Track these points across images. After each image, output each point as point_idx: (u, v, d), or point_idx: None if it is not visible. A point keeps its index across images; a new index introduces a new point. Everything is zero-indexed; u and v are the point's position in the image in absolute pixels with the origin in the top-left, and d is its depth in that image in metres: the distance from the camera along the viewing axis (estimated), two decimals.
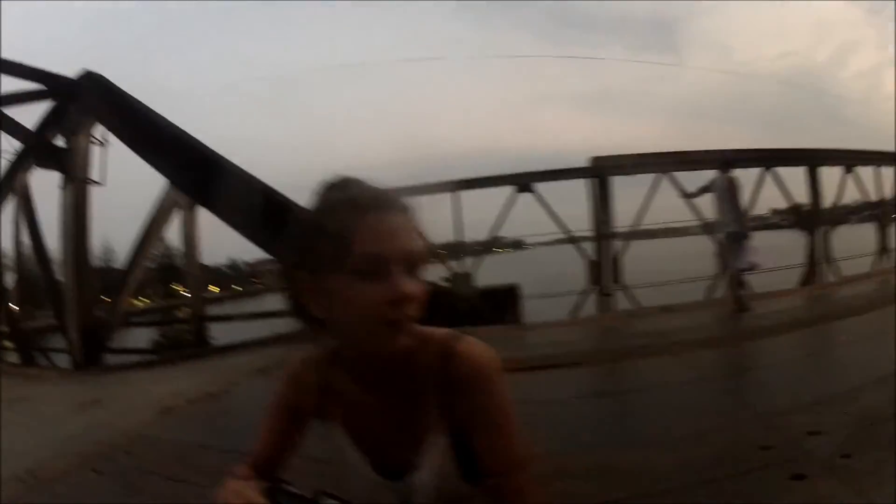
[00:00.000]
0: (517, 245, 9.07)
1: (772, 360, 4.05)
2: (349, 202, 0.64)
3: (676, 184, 6.46)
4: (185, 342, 7.53)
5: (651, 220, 6.59)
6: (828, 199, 7.41)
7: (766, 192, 7.05)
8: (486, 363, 0.69)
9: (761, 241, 7.08)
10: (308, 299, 0.67)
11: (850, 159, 7.54)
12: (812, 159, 7.15)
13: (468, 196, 6.31)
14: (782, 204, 7.30)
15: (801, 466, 1.91)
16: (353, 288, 0.62)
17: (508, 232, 6.81)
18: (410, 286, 0.63)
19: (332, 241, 0.63)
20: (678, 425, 2.60)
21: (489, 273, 6.74)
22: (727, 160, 6.23)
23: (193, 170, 6.09)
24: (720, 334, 5.23)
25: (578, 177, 6.29)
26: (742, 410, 2.87)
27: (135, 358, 6.76)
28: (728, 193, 5.65)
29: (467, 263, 6.53)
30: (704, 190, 5.92)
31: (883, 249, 7.82)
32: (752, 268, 5.67)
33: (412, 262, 0.64)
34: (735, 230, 5.64)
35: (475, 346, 0.70)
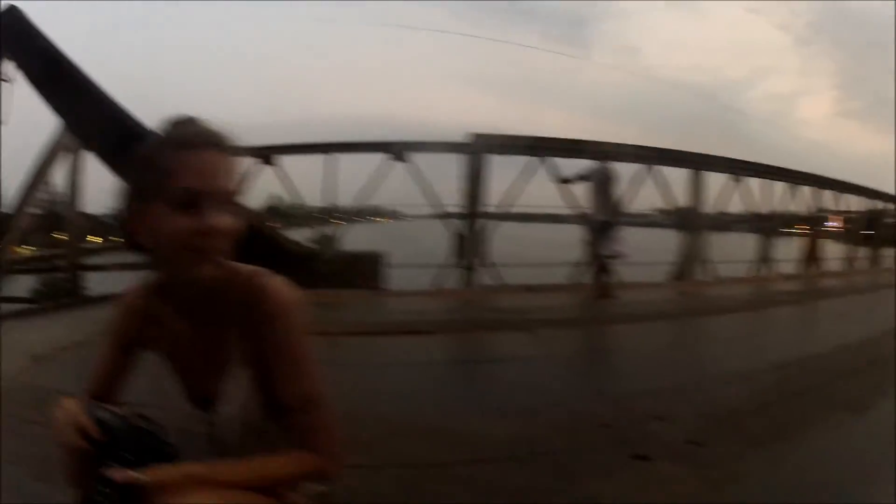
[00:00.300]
0: (393, 215, 9.15)
1: (628, 346, 4.09)
2: (176, 138, 0.70)
3: (554, 169, 6.59)
4: (63, 291, 7.41)
5: (525, 203, 6.68)
6: (713, 205, 7.65)
7: (650, 191, 7.26)
8: (287, 300, 0.73)
9: (641, 237, 7.26)
10: (136, 228, 0.72)
11: (737, 169, 7.77)
12: (696, 163, 7.34)
13: (345, 160, 6.35)
14: (666, 203, 7.47)
15: (645, 448, 1.90)
16: (169, 217, 0.67)
17: (385, 201, 6.86)
18: (219, 220, 0.68)
19: (155, 173, 0.68)
20: (521, 398, 2.60)
21: (360, 239, 6.74)
22: (607, 152, 6.42)
23: (93, 117, 6.03)
24: (578, 316, 5.31)
25: (455, 151, 6.32)
26: (588, 390, 2.88)
27: (14, 306, 6.63)
28: (603, 183, 5.80)
29: (336, 227, 6.53)
30: (581, 178, 6.06)
31: (764, 259, 8.05)
32: (616, 256, 5.80)
33: (224, 199, 0.69)
34: (604, 219, 5.79)
35: (279, 282, 0.74)
